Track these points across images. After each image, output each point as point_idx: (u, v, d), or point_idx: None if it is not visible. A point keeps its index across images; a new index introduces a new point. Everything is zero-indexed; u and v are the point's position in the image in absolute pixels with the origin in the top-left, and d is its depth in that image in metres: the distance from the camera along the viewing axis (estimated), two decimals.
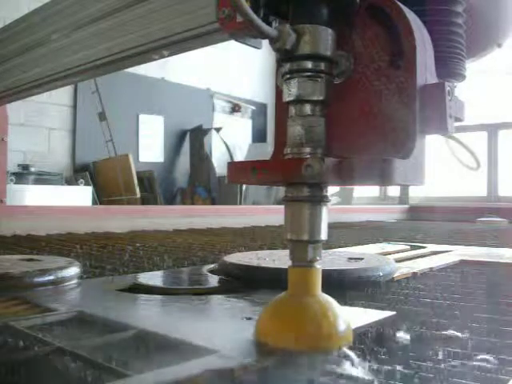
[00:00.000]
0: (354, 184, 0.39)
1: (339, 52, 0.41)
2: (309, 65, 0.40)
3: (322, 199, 0.41)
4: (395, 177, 0.36)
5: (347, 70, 0.41)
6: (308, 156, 0.40)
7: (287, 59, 0.41)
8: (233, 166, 0.44)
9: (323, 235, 0.41)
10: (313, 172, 0.37)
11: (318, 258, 0.41)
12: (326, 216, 0.41)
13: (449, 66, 0.46)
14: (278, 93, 0.44)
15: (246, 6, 0.37)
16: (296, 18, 0.40)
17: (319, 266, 0.41)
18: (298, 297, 0.40)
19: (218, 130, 5.04)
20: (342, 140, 0.42)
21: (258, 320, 0.42)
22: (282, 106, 0.43)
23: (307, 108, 0.40)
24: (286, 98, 0.41)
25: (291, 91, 0.40)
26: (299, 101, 0.40)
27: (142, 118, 4.63)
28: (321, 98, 0.40)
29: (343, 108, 0.42)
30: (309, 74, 0.40)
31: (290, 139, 0.41)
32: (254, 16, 0.37)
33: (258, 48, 0.46)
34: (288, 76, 0.41)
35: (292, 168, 0.39)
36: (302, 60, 0.40)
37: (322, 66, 0.40)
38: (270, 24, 0.42)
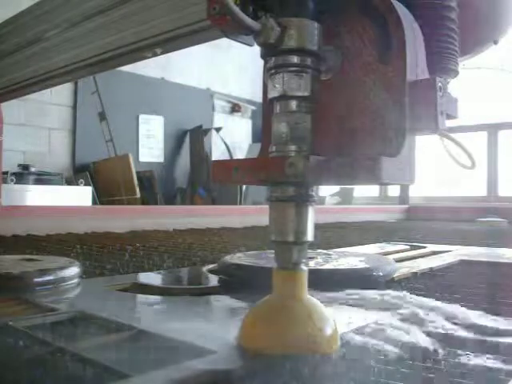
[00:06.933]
0: (340, 183, 0.38)
1: (327, 47, 0.40)
2: (294, 59, 0.38)
3: (307, 199, 0.39)
4: (383, 175, 0.35)
5: (335, 65, 0.40)
6: (293, 154, 0.38)
7: (272, 54, 0.39)
8: (216, 165, 0.42)
9: (309, 236, 0.39)
10: (296, 171, 0.36)
11: (303, 260, 0.39)
12: (312, 216, 0.40)
13: (441, 61, 0.46)
14: (265, 90, 0.42)
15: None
16: (281, 11, 0.39)
17: (305, 268, 0.40)
18: (283, 300, 0.39)
19: (217, 129, 5.04)
20: (329, 137, 0.40)
21: (242, 324, 0.41)
22: (268, 103, 0.41)
23: (292, 104, 0.39)
24: (271, 94, 0.40)
25: (276, 87, 0.39)
26: (284, 97, 0.39)
27: (142, 117, 4.64)
28: (306, 93, 0.39)
29: (330, 104, 0.41)
30: (294, 68, 0.38)
31: (274, 137, 0.40)
32: (236, 9, 0.36)
33: (250, 45, 0.46)
34: (273, 71, 0.39)
35: (275, 167, 0.38)
36: (287, 54, 0.38)
37: (308, 60, 0.39)
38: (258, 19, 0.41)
